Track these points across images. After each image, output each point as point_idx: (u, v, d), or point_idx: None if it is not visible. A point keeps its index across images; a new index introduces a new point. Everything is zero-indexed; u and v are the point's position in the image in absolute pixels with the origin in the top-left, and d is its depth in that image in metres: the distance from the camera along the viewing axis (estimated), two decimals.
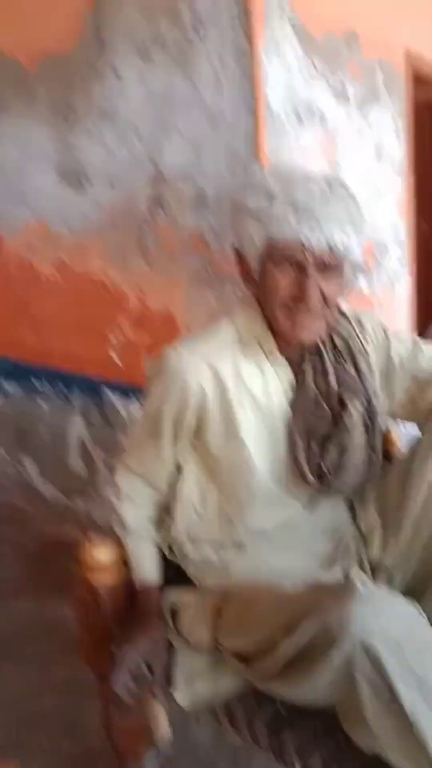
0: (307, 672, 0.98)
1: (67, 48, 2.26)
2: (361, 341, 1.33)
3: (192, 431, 1.27)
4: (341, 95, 2.29)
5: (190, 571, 1.36)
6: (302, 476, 1.25)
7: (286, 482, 1.28)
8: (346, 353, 1.31)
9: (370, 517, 1.36)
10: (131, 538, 1.36)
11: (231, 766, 1.62)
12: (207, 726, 1.70)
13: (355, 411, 1.26)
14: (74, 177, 2.37)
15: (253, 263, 1.21)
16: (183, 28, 1.94)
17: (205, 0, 1.87)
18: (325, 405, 1.26)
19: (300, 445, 1.25)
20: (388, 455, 1.43)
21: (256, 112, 1.93)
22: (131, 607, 1.34)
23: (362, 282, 2.50)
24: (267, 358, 1.26)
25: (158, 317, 2.23)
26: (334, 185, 1.17)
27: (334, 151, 2.31)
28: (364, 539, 1.36)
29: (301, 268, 1.15)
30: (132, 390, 2.32)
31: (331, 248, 1.13)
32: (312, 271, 1.14)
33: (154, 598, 1.33)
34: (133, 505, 1.36)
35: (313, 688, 1.00)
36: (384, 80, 2.48)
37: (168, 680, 1.22)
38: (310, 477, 1.25)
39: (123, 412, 2.41)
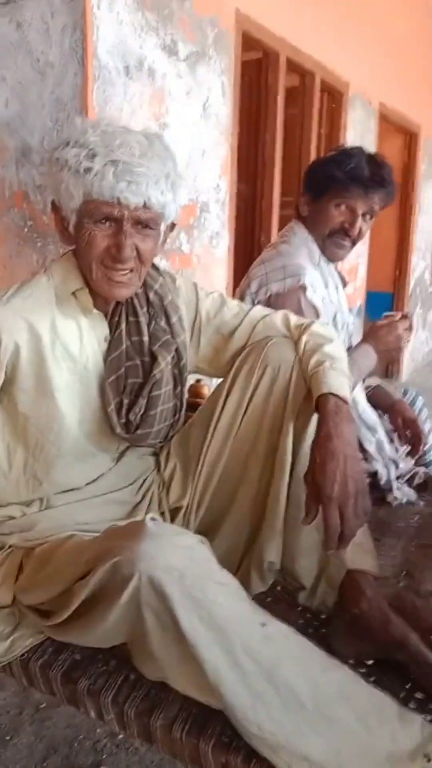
0: (100, 614, 1.03)
1: None
2: (173, 297, 1.38)
3: None
4: (171, 51, 2.25)
5: None
6: (111, 429, 1.29)
7: (99, 436, 1.31)
8: (159, 308, 1.34)
9: (171, 465, 1.43)
10: None
11: (35, 726, 1.67)
12: (11, 690, 1.75)
13: (164, 363, 1.30)
14: None
15: (71, 217, 1.19)
16: None
17: None
18: (137, 359, 1.30)
19: (111, 397, 1.27)
20: (195, 407, 1.50)
21: (84, 63, 1.84)
22: None
23: (183, 240, 2.53)
24: (83, 312, 1.26)
25: None
26: (153, 142, 1.18)
27: (161, 108, 2.28)
28: (166, 487, 1.42)
29: (117, 225, 1.16)
30: None
31: (146, 205, 1.15)
32: (128, 227, 1.16)
33: None
34: None
35: (104, 630, 1.05)
36: (214, 38, 2.46)
37: None
38: (118, 429, 1.28)
39: None
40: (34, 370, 1.22)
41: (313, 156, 3.59)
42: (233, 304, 1.42)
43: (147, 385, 1.29)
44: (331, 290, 1.78)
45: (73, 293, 1.25)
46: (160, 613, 0.98)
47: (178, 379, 1.35)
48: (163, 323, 1.33)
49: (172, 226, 1.28)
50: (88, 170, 1.12)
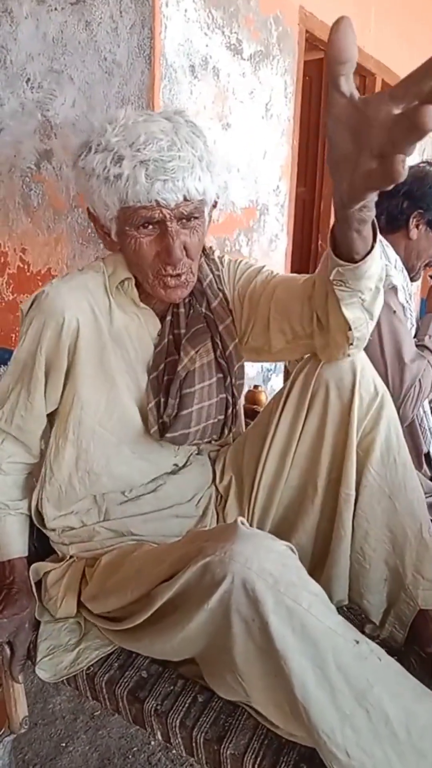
0: (182, 618, 0.97)
1: None
2: (218, 282, 1.28)
3: (63, 375, 1.18)
4: (236, 50, 2.20)
5: (54, 538, 1.29)
6: (148, 428, 1.22)
7: (147, 437, 1.24)
8: (199, 292, 1.25)
9: (227, 478, 1.37)
10: (1, 513, 1.26)
11: (90, 734, 1.64)
12: (65, 695, 1.73)
13: (187, 359, 1.22)
14: None
15: (111, 226, 1.11)
16: None
17: None
18: (176, 354, 1.23)
19: (151, 396, 1.21)
20: (253, 414, 1.42)
21: (152, 62, 1.81)
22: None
23: (242, 243, 2.49)
24: (135, 305, 1.19)
25: (39, 277, 2.09)
26: (179, 124, 1.08)
27: (225, 108, 2.24)
28: (223, 501, 1.36)
29: (161, 226, 1.07)
30: (8, 353, 2.18)
31: (186, 198, 1.06)
32: (173, 226, 1.07)
33: (19, 572, 1.24)
34: (0, 473, 1.26)
35: (183, 637, 0.99)
36: (277, 37, 2.42)
37: (30, 657, 1.16)
38: (153, 429, 1.21)
39: None
40: (96, 352, 1.16)
41: None
42: (266, 271, 1.30)
43: (174, 383, 1.21)
44: (407, 287, 1.72)
45: (121, 283, 1.18)
46: (250, 619, 0.92)
47: (226, 370, 1.26)
48: (202, 308, 1.25)
49: (215, 203, 1.18)
50: (118, 177, 1.03)
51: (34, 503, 1.28)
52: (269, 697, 0.94)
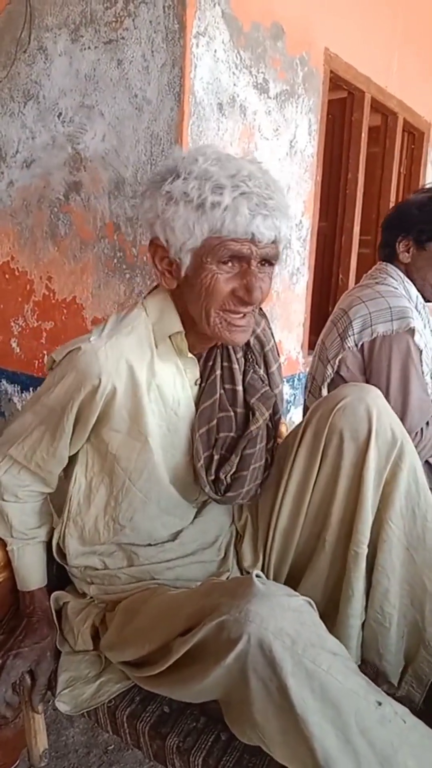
0: (199, 672, 0.95)
1: None
2: (274, 343, 1.28)
3: (90, 427, 1.16)
4: (263, 89, 2.25)
5: (75, 573, 1.27)
6: (200, 487, 1.20)
7: (184, 487, 1.22)
8: (259, 354, 1.25)
9: (244, 517, 1.34)
10: (15, 540, 1.24)
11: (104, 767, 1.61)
12: (79, 727, 1.69)
13: (262, 419, 1.20)
14: None
15: (184, 258, 1.06)
16: (116, 8, 1.82)
17: None
18: (231, 410, 1.20)
19: (201, 451, 1.18)
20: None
21: (181, 99, 1.85)
22: (16, 608, 1.25)
23: None
24: (177, 354, 1.16)
25: (65, 305, 2.11)
26: (266, 170, 1.07)
27: (251, 144, 2.28)
28: (241, 540, 1.33)
29: (244, 264, 1.04)
30: (29, 379, 2.20)
31: (275, 240, 1.04)
32: (255, 266, 1.04)
33: (39, 601, 1.24)
34: (18, 502, 1.24)
35: (201, 688, 0.97)
36: (303, 77, 2.46)
37: (51, 689, 1.15)
38: (207, 488, 1.19)
39: (17, 402, 2.28)
40: (130, 413, 1.13)
41: (393, 195, 3.56)
42: None
43: (241, 441, 1.19)
44: (427, 334, 1.71)
45: (171, 335, 1.14)
46: (267, 679, 0.89)
47: (272, 434, 1.25)
48: (261, 372, 1.24)
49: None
50: (216, 204, 0.99)
51: (55, 539, 1.26)
52: (291, 753, 0.91)
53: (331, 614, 1.17)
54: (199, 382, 1.20)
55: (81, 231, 2.02)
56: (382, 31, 3.05)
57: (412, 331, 1.55)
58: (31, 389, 2.23)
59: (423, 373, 1.60)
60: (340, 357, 1.64)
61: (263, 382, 1.24)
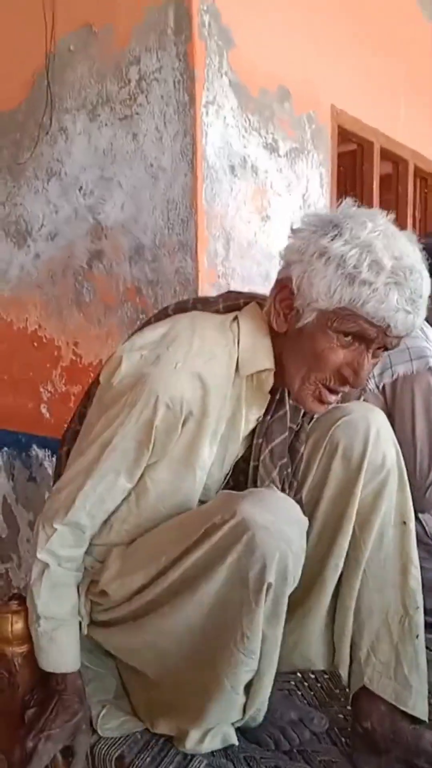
0: (206, 575, 1.01)
1: (16, 105, 2.26)
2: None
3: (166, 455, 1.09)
4: (272, 148, 2.33)
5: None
6: None
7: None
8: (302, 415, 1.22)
9: None
10: (54, 624, 1.15)
11: None
12: None
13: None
14: (17, 232, 2.34)
15: (308, 314, 1.02)
16: (129, 88, 1.94)
17: (151, 61, 1.89)
18: (297, 447, 1.21)
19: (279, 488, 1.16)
20: None
21: (194, 166, 1.93)
22: (43, 677, 1.18)
23: None
24: (253, 390, 1.10)
25: (91, 369, 2.16)
26: (420, 256, 1.02)
27: (263, 202, 2.34)
28: None
29: (365, 346, 1.01)
30: (59, 443, 2.23)
31: (407, 334, 1.01)
32: (371, 353, 1.02)
33: (71, 681, 1.17)
34: (63, 584, 1.16)
35: (204, 604, 1.03)
36: (311, 134, 2.55)
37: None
38: None
39: (49, 469, 2.31)
40: (189, 441, 1.07)
41: None
42: None
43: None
44: None
45: (255, 374, 1.09)
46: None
47: None
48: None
49: None
50: (367, 283, 0.96)
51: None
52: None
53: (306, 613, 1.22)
54: (260, 419, 1.15)
55: (104, 296, 2.09)
56: (386, 80, 3.14)
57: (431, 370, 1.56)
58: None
59: None
60: (362, 399, 1.65)
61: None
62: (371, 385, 1.63)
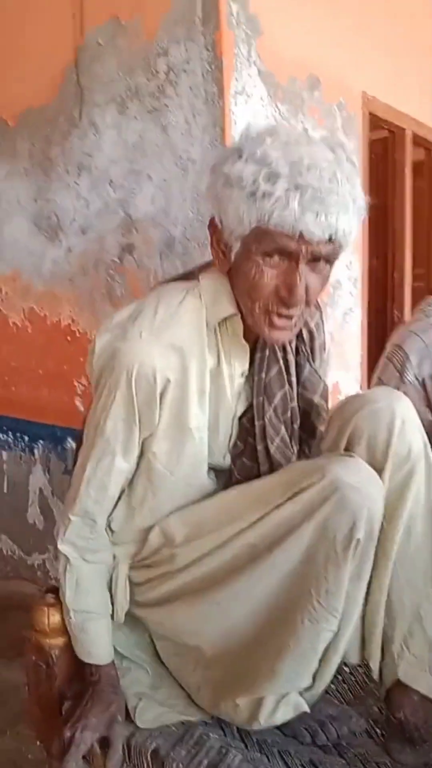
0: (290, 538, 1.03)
1: (47, 101, 2.26)
2: (325, 337, 1.27)
3: (155, 427, 1.10)
4: None
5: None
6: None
7: (217, 473, 1.21)
8: (309, 345, 1.22)
9: None
10: (85, 617, 1.17)
11: None
12: None
13: (327, 416, 1.22)
14: (49, 227, 2.35)
15: (234, 244, 1.02)
16: (158, 80, 1.94)
17: (180, 52, 1.88)
18: (290, 406, 1.18)
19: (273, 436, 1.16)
20: None
21: None
22: (83, 674, 1.20)
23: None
24: (229, 340, 1.12)
25: None
26: (341, 157, 0.99)
27: None
28: None
29: (291, 261, 0.99)
30: None
31: (331, 238, 0.97)
32: (302, 265, 0.99)
33: (105, 673, 1.18)
34: (88, 579, 1.18)
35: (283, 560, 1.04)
36: (342, 122, 2.51)
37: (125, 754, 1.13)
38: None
39: None
40: (177, 405, 1.09)
41: None
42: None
43: (307, 440, 1.23)
44: None
45: (224, 320, 1.11)
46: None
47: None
48: (309, 363, 1.22)
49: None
50: (267, 195, 0.94)
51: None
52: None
53: None
54: (245, 373, 1.16)
55: (135, 290, 2.09)
56: (417, 67, 3.09)
57: None
58: None
59: None
60: (401, 392, 1.63)
61: (319, 377, 1.23)
62: (410, 377, 1.60)
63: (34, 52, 2.31)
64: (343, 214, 0.96)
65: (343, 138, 2.53)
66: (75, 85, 2.15)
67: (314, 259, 1.00)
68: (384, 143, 3.13)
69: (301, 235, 0.96)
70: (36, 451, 2.52)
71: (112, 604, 1.22)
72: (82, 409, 2.30)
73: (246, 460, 1.18)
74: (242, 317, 1.10)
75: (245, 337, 1.12)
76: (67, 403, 2.36)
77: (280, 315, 1.04)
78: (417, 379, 1.56)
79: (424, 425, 1.27)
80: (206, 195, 1.13)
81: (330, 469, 1.03)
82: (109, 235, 2.14)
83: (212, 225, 1.07)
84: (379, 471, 1.12)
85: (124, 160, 2.07)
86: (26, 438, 2.56)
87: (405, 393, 1.62)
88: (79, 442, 1.23)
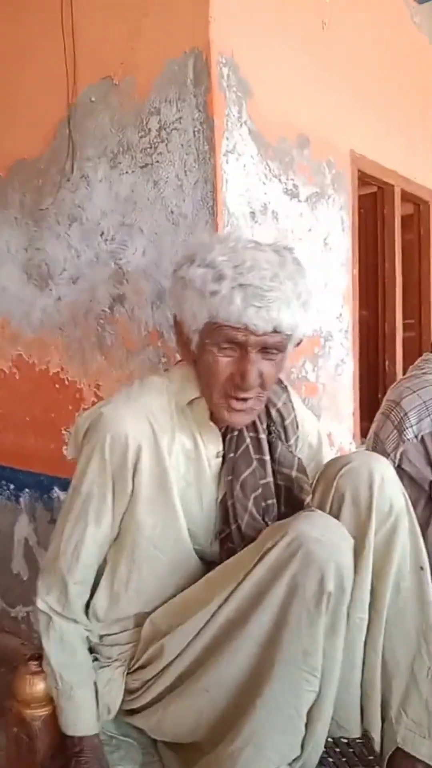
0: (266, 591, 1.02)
1: (39, 153, 2.31)
2: (294, 416, 1.32)
3: (128, 500, 1.17)
4: (293, 194, 2.35)
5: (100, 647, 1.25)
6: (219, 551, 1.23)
7: (202, 554, 1.24)
8: (280, 424, 1.29)
9: None
10: (75, 683, 1.16)
11: None
12: None
13: (310, 489, 1.24)
14: (39, 276, 2.38)
15: (193, 337, 1.15)
16: (150, 137, 1.98)
17: (171, 110, 1.93)
18: (267, 478, 1.23)
19: (259, 518, 1.20)
20: None
21: (215, 213, 1.95)
22: (66, 746, 1.18)
23: (308, 369, 2.53)
24: (197, 424, 1.21)
25: None
26: (285, 259, 1.13)
27: None
28: None
29: (242, 350, 1.11)
30: None
31: (275, 330, 1.09)
32: (253, 353, 1.10)
33: (89, 742, 1.18)
34: (71, 635, 1.18)
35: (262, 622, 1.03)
36: (331, 179, 2.57)
37: None
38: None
39: None
40: (156, 475, 1.16)
41: None
42: (326, 453, 1.40)
43: (286, 512, 1.23)
44: None
45: (190, 403, 1.20)
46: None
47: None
48: (290, 442, 1.29)
49: (299, 341, 1.21)
50: (214, 293, 1.07)
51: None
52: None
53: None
54: (221, 454, 1.23)
55: (126, 341, 2.10)
56: (403, 123, 3.18)
57: None
58: None
59: None
60: (401, 450, 1.63)
61: (293, 454, 1.28)
62: (409, 435, 1.60)
63: (27, 107, 2.37)
64: (285, 309, 1.08)
65: (332, 193, 2.59)
66: (67, 140, 2.19)
67: (264, 348, 1.11)
68: (373, 198, 3.20)
69: (246, 327, 1.08)
70: (22, 499, 2.50)
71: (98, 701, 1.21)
72: (69, 458, 2.29)
73: (230, 543, 1.21)
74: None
75: (214, 420, 1.21)
76: (54, 451, 2.34)
77: (237, 399, 1.13)
78: (416, 436, 1.56)
79: (424, 483, 1.27)
80: (168, 296, 1.32)
81: (293, 525, 1.05)
82: (100, 286, 2.16)
83: (175, 322, 1.20)
84: (365, 529, 1.15)
85: (115, 212, 2.11)
86: (12, 486, 2.54)
87: (405, 451, 1.62)
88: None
